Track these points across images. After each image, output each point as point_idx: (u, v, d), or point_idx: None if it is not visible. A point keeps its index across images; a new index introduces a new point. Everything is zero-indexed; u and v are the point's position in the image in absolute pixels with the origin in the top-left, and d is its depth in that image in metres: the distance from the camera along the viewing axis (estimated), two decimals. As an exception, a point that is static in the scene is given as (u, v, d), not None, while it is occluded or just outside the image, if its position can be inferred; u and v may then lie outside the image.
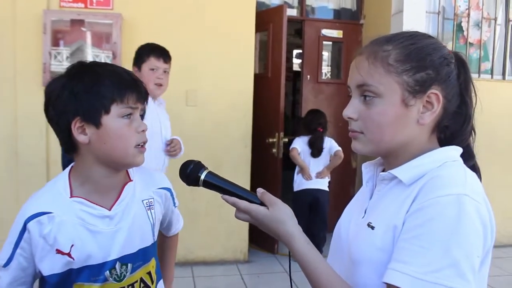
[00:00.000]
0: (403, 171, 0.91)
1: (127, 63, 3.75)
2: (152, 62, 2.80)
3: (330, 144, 4.23)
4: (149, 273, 1.28)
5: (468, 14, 4.79)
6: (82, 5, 3.74)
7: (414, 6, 4.38)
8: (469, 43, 4.82)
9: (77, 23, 3.66)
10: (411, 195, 0.86)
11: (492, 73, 4.93)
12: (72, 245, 1.12)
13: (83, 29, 3.68)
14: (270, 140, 4.35)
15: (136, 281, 1.24)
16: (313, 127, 4.18)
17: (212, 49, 4.01)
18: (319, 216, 4.21)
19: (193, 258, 4.02)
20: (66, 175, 1.19)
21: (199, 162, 1.07)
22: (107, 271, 1.17)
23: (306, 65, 5.15)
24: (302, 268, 0.94)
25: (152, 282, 1.29)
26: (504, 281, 3.96)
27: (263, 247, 4.51)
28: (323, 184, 4.21)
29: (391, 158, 0.97)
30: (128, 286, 1.21)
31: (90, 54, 3.68)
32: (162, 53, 2.84)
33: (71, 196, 1.15)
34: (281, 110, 4.32)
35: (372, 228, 0.91)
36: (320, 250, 4.35)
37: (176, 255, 1.62)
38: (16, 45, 3.65)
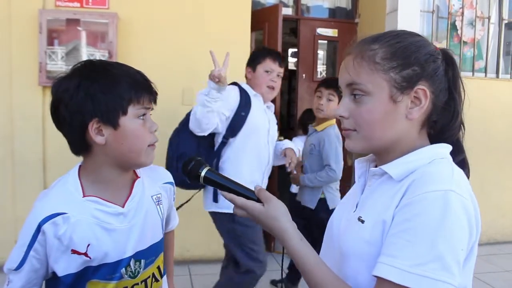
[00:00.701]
0: (393, 167, 0.94)
1: (122, 62, 3.76)
2: (268, 64, 2.82)
3: None
4: (159, 268, 1.30)
5: (462, 13, 4.82)
6: (78, 5, 3.74)
7: (408, 5, 4.40)
8: (463, 41, 4.85)
9: (73, 22, 3.66)
10: (401, 191, 0.88)
11: (486, 72, 4.96)
12: (89, 245, 1.12)
13: (79, 28, 3.68)
14: (266, 138, 4.36)
15: (149, 277, 1.26)
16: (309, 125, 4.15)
17: (208, 48, 4.00)
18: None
19: (190, 256, 4.03)
20: (76, 175, 1.18)
21: (200, 159, 1.09)
22: (123, 269, 1.18)
23: (301, 64, 5.16)
24: (296, 264, 0.96)
25: (161, 276, 1.31)
26: (498, 277, 3.99)
27: (259, 245, 4.52)
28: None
29: (383, 155, 0.99)
30: (141, 282, 1.23)
31: (86, 54, 3.68)
32: (278, 56, 2.87)
33: (84, 196, 1.15)
34: (277, 109, 4.32)
35: (362, 222, 0.94)
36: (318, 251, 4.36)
37: (173, 252, 1.62)
38: (12, 45, 3.64)
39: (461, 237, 0.81)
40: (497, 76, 5.02)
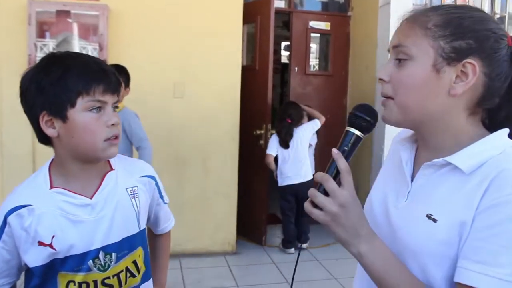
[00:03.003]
0: (461, 159, 0.85)
1: (113, 55, 3.73)
2: None
3: (304, 133, 4.26)
4: (135, 262, 1.27)
5: (455, 7, 4.82)
6: (68, -4, 3.69)
7: (401, -1, 4.40)
8: (455, 35, 4.86)
9: (63, 14, 3.62)
10: (480, 189, 0.80)
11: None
12: (53, 236, 1.12)
13: (69, 20, 3.64)
14: (258, 132, 4.36)
15: (122, 271, 1.23)
16: (283, 117, 4.25)
17: (200, 41, 3.99)
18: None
19: (181, 250, 4.02)
20: (47, 168, 1.19)
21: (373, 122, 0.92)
22: (90, 261, 1.16)
23: (294, 57, 5.15)
24: (385, 265, 0.85)
25: (138, 272, 1.28)
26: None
27: (251, 238, 4.53)
28: (305, 176, 4.24)
29: (425, 133, 0.93)
30: (113, 276, 1.21)
31: (77, 46, 3.64)
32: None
33: (51, 188, 1.15)
34: (269, 102, 4.33)
35: (434, 221, 0.85)
36: (306, 238, 4.40)
37: (168, 258, 1.56)
38: (0, 37, 3.59)
39: None
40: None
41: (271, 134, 4.41)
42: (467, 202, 0.81)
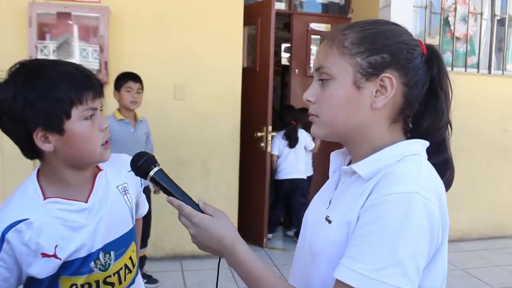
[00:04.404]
0: (362, 166, 0.90)
1: (114, 56, 3.73)
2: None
3: (304, 135, 4.73)
4: (131, 258, 1.28)
5: (455, 9, 4.82)
6: (68, -2, 3.70)
7: (401, 0, 4.40)
8: (456, 37, 4.86)
9: (64, 16, 3.63)
10: (366, 191, 0.85)
11: (478, 67, 4.98)
12: (56, 246, 1.11)
13: (70, 22, 3.64)
14: (258, 134, 4.36)
15: (121, 268, 1.24)
16: (288, 120, 4.65)
17: (201, 42, 4.00)
18: (300, 201, 4.64)
19: (182, 252, 4.02)
20: (35, 179, 1.16)
21: (153, 157, 1.06)
22: (92, 262, 1.17)
23: (294, 59, 5.15)
24: (244, 272, 0.94)
25: (134, 266, 1.30)
26: (489, 272, 4.02)
27: (252, 241, 4.52)
28: (301, 173, 4.71)
29: (351, 146, 0.97)
30: (113, 274, 1.22)
31: (77, 48, 3.64)
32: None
33: (45, 198, 1.12)
34: (270, 104, 4.32)
35: (329, 222, 0.91)
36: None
37: (140, 239, 1.58)
38: (1, 39, 3.60)
39: (422, 243, 0.79)
40: (489, 72, 5.04)
41: (272, 136, 4.42)
42: (355, 203, 0.86)
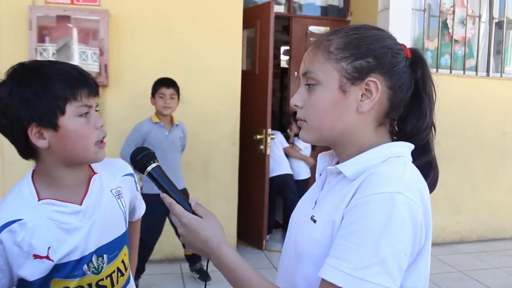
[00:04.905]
0: (347, 166, 0.92)
1: (114, 59, 3.74)
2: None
3: (279, 136, 4.86)
4: (123, 261, 1.29)
5: (453, 12, 4.84)
6: (68, 1, 3.71)
7: (400, 3, 4.41)
8: (454, 40, 4.88)
9: (63, 19, 3.64)
10: (351, 191, 0.87)
11: (476, 70, 4.99)
12: (49, 248, 1.11)
13: (70, 25, 3.65)
14: (258, 136, 4.37)
15: (114, 271, 1.25)
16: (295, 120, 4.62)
17: (200, 46, 4.01)
18: (291, 198, 4.66)
19: (181, 254, 4.01)
20: (29, 180, 1.16)
21: (153, 153, 1.08)
22: (85, 265, 1.17)
23: (293, 62, 5.17)
24: (231, 274, 0.95)
25: (126, 269, 1.30)
26: (488, 274, 4.02)
27: (251, 243, 4.53)
28: (287, 168, 4.79)
29: (338, 149, 0.99)
30: (106, 277, 1.22)
31: (77, 51, 3.65)
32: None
33: (39, 199, 1.12)
34: (269, 107, 4.33)
35: (314, 221, 0.92)
36: None
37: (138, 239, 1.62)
38: (1, 42, 3.61)
39: (405, 242, 0.81)
40: (488, 75, 5.05)
41: (272, 138, 4.43)
42: (340, 203, 0.88)
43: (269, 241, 4.66)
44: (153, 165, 1.05)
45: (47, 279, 1.13)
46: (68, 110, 1.08)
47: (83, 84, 1.11)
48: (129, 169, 1.36)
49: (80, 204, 1.16)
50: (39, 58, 3.55)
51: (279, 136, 4.83)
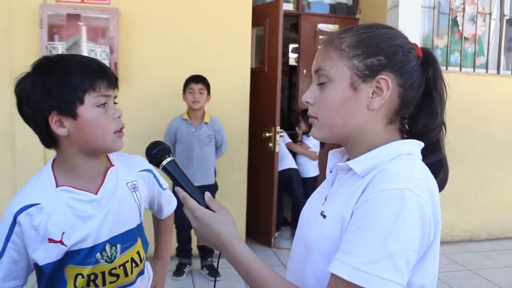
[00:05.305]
0: (357, 163, 0.93)
1: (123, 57, 3.76)
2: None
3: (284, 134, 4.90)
4: (138, 253, 1.33)
5: (463, 9, 4.81)
6: (79, 0, 3.73)
7: (409, 1, 4.39)
8: (464, 37, 4.85)
9: (74, 17, 3.66)
10: (361, 187, 0.88)
11: (487, 68, 4.96)
12: (63, 233, 1.16)
13: (80, 23, 3.67)
14: (267, 134, 4.37)
15: (127, 261, 1.29)
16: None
17: (209, 44, 4.02)
18: (294, 193, 4.74)
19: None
20: (49, 167, 1.22)
21: (168, 147, 1.10)
22: (98, 253, 1.21)
23: (302, 60, 5.16)
24: (242, 267, 0.96)
25: (141, 261, 1.35)
26: (499, 273, 4.00)
27: (260, 240, 4.54)
28: (291, 163, 4.79)
29: (349, 146, 1.00)
30: (119, 266, 1.26)
31: (86, 49, 3.68)
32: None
33: (57, 186, 1.18)
34: (278, 105, 4.33)
35: (324, 217, 0.94)
36: None
37: (172, 237, 1.65)
38: (12, 40, 3.65)
39: (414, 238, 0.82)
40: (498, 72, 5.01)
41: (281, 136, 4.43)
42: (350, 199, 0.89)
43: (278, 239, 4.67)
44: (168, 159, 1.07)
45: (61, 265, 1.18)
46: (87, 100, 1.14)
47: (102, 76, 1.17)
48: (147, 165, 1.40)
49: (96, 194, 1.21)
50: (49, 56, 3.58)
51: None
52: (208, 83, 3.59)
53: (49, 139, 1.19)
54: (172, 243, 1.64)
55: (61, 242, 1.16)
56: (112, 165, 1.29)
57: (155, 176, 1.43)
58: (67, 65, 1.15)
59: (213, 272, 3.67)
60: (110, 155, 1.31)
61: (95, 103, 1.16)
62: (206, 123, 3.60)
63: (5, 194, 3.69)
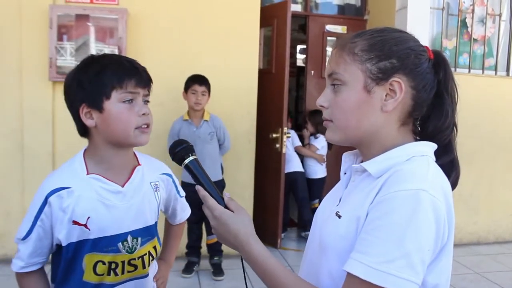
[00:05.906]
0: (372, 164, 0.95)
1: (131, 57, 3.77)
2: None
3: (293, 134, 4.92)
4: (155, 247, 1.42)
5: (473, 10, 4.78)
6: (88, 0, 3.76)
7: (418, 2, 4.38)
8: (473, 39, 4.82)
9: (83, 18, 3.69)
10: (376, 188, 0.90)
11: (496, 69, 4.93)
12: (89, 217, 1.25)
13: (89, 24, 3.70)
14: (274, 135, 4.37)
15: (145, 254, 1.37)
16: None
17: (217, 45, 4.03)
18: (299, 195, 4.77)
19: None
20: (81, 156, 1.31)
21: (191, 147, 1.13)
22: (120, 243, 1.30)
23: (310, 61, 5.16)
24: (259, 267, 0.97)
25: (156, 254, 1.44)
26: (506, 276, 3.97)
27: (266, 241, 4.53)
28: (298, 166, 4.83)
29: (363, 148, 1.02)
30: (138, 257, 1.35)
31: (95, 49, 3.70)
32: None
33: (88, 173, 1.28)
34: (285, 106, 4.33)
35: (339, 217, 0.96)
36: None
37: (179, 242, 1.71)
38: (22, 40, 3.67)
39: (429, 238, 0.83)
40: (508, 74, 4.98)
41: (288, 137, 4.43)
42: (365, 199, 0.91)
43: (284, 240, 4.67)
44: (191, 158, 1.11)
45: (80, 252, 1.26)
46: (113, 96, 1.23)
47: (131, 74, 1.25)
48: (167, 169, 1.49)
49: (122, 186, 1.30)
50: (58, 57, 3.61)
51: (292, 134, 4.83)
52: (209, 85, 3.65)
53: (82, 128, 1.29)
54: (178, 248, 1.71)
55: (85, 225, 1.25)
56: (139, 164, 1.38)
57: (174, 182, 1.50)
58: (102, 64, 1.25)
59: (217, 271, 3.75)
60: (137, 154, 1.40)
61: (121, 99, 1.24)
62: (206, 121, 3.66)
63: (14, 191, 3.72)
